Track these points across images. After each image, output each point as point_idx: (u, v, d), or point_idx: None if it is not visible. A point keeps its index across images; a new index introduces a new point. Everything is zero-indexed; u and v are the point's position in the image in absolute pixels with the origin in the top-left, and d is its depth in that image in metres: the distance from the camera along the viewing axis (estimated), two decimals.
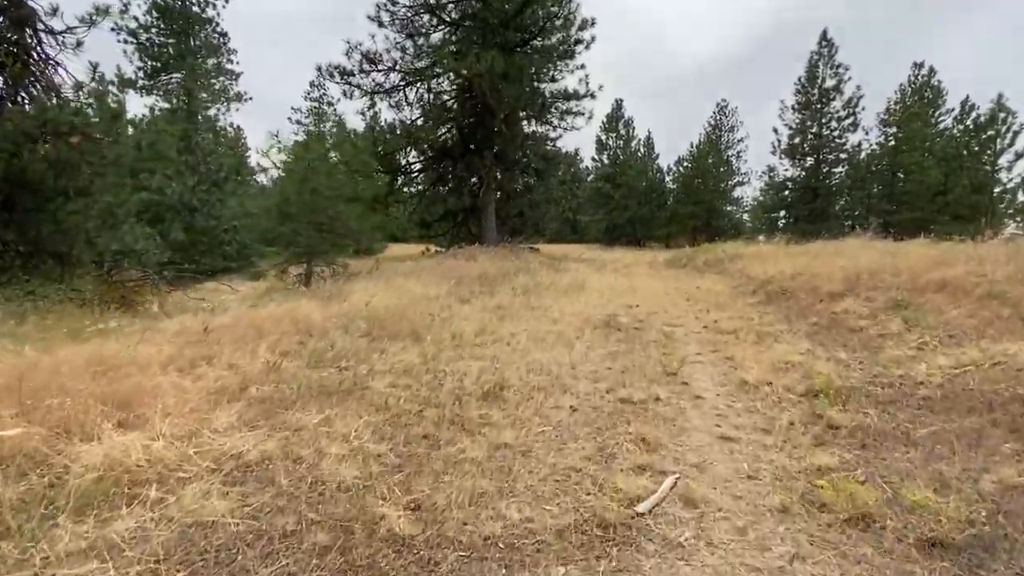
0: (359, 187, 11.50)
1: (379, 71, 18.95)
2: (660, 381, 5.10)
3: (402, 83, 19.02)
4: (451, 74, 16.30)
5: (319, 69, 18.83)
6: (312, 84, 32.34)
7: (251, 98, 33.83)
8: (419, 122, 17.35)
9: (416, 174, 18.09)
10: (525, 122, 21.28)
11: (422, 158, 18.16)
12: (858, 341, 5.90)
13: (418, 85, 18.99)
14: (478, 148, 17.45)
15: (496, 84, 14.85)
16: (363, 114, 19.69)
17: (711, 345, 6.61)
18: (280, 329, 6.13)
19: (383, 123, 18.14)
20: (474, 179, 18.91)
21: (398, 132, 17.00)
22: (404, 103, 19.28)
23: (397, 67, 18.67)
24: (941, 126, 37.13)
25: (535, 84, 17.68)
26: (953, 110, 38.82)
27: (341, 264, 10.71)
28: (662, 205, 41.11)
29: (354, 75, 19.01)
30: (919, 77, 36.68)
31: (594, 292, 10.66)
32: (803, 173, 35.17)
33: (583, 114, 22.41)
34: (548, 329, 7.29)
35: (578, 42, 21.37)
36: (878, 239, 15.23)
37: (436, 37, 18.53)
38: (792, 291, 8.75)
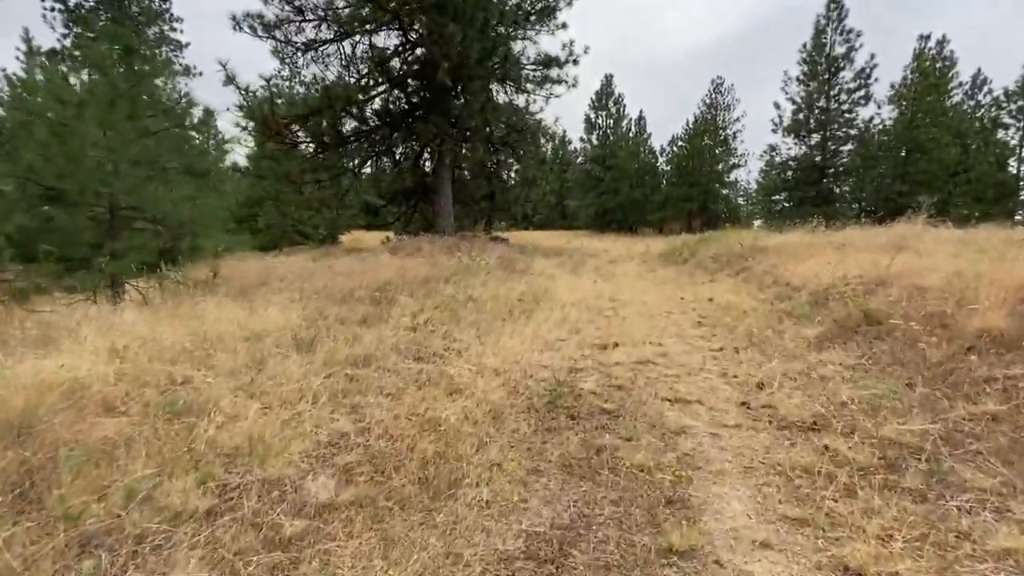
0: (191, 154, 7.47)
1: (308, 21, 14.69)
2: None
3: (337, 36, 14.73)
4: (388, 17, 12.08)
5: (233, 20, 14.51)
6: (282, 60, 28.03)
7: (201, 72, 29.51)
8: (349, 80, 13.09)
9: (346, 145, 13.74)
10: (497, 87, 17.04)
11: (362, 126, 13.79)
12: None
13: (357, 38, 14.70)
14: (426, 114, 13.29)
15: (439, 24, 10.72)
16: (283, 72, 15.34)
17: (788, 497, 2.62)
18: None
19: (300, 82, 13.94)
20: (426, 154, 14.78)
21: (315, 92, 12.71)
22: (344, 61, 14.98)
23: (328, 17, 14.39)
24: (952, 100, 33.05)
25: (497, 33, 13.42)
26: (964, 84, 34.83)
27: (171, 273, 6.73)
28: (655, 188, 36.86)
29: (279, 27, 14.74)
30: (927, 50, 32.31)
31: (555, 311, 6.65)
32: (808, 151, 30.93)
33: (565, 81, 18.23)
34: (426, 421, 3.32)
35: None
36: (935, 225, 11.25)
37: None
38: (887, 319, 4.76)
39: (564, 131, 47.69)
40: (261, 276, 7.94)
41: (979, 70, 36.03)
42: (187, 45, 28.53)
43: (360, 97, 11.99)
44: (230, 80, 11.24)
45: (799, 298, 6.31)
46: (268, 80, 11.05)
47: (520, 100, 17.93)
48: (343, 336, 4.82)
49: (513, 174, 20.61)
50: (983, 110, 35.22)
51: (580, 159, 42.06)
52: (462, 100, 14.50)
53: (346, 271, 8.03)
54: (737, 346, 5.17)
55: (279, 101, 13.57)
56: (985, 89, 35.77)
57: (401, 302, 6.28)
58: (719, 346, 5.28)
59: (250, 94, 11.39)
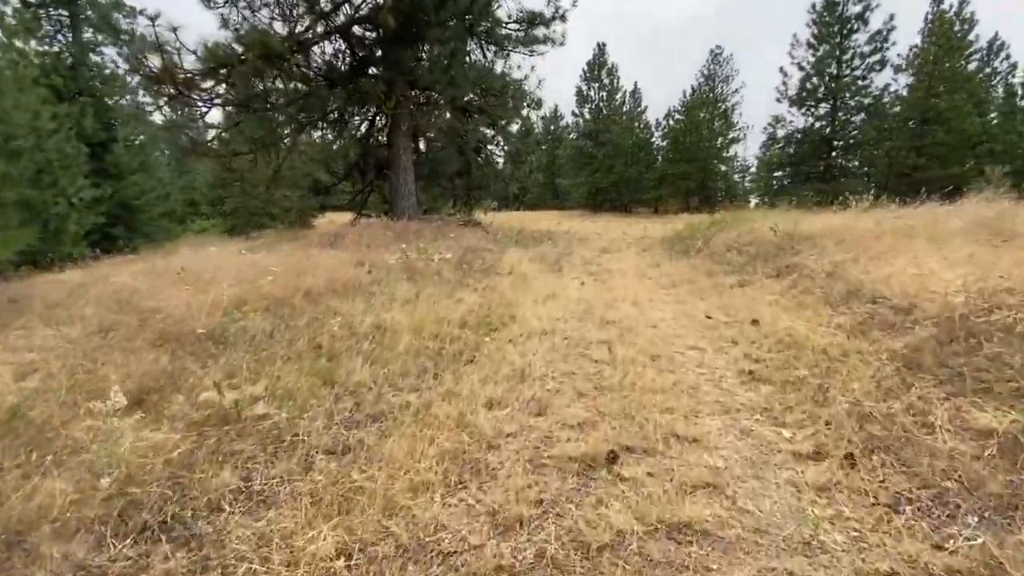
0: None
1: None
2: None
3: None
4: None
5: None
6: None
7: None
8: (269, 25, 10.10)
9: (273, 109, 10.71)
10: (473, 45, 14.05)
11: (295, 84, 10.80)
12: None
13: None
14: (381, 70, 10.39)
15: None
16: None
17: None
18: None
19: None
20: (383, 121, 11.92)
21: (226, 42, 9.71)
22: (286, 9, 11.89)
23: None
24: (970, 67, 29.92)
25: None
26: (981, 50, 31.74)
27: None
28: (650, 165, 33.83)
29: None
30: (938, 12, 29.15)
31: (513, 351, 3.99)
32: (815, 123, 27.89)
33: (552, 40, 15.25)
34: None
35: None
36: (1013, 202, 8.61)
37: None
38: None
39: (556, 106, 44.45)
40: (82, 288, 5.23)
41: (996, 34, 32.93)
42: (142, 11, 25.05)
43: (283, 46, 9.12)
44: (105, 21, 8.30)
45: (918, 331, 3.64)
46: (153, 19, 8.12)
47: (500, 64, 15.00)
48: (29, 462, 2.15)
49: (495, 148, 17.64)
50: (999, 77, 32.37)
51: (572, 135, 38.96)
52: (424, 56, 11.56)
53: (228, 274, 5.31)
54: (851, 450, 2.54)
55: (195, 55, 10.57)
56: (1002, 55, 32.86)
57: (247, 344, 3.59)
58: (810, 447, 2.64)
59: (135, 40, 8.51)
